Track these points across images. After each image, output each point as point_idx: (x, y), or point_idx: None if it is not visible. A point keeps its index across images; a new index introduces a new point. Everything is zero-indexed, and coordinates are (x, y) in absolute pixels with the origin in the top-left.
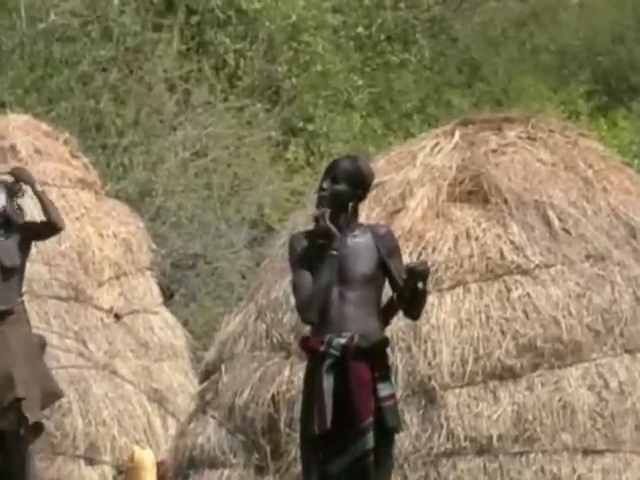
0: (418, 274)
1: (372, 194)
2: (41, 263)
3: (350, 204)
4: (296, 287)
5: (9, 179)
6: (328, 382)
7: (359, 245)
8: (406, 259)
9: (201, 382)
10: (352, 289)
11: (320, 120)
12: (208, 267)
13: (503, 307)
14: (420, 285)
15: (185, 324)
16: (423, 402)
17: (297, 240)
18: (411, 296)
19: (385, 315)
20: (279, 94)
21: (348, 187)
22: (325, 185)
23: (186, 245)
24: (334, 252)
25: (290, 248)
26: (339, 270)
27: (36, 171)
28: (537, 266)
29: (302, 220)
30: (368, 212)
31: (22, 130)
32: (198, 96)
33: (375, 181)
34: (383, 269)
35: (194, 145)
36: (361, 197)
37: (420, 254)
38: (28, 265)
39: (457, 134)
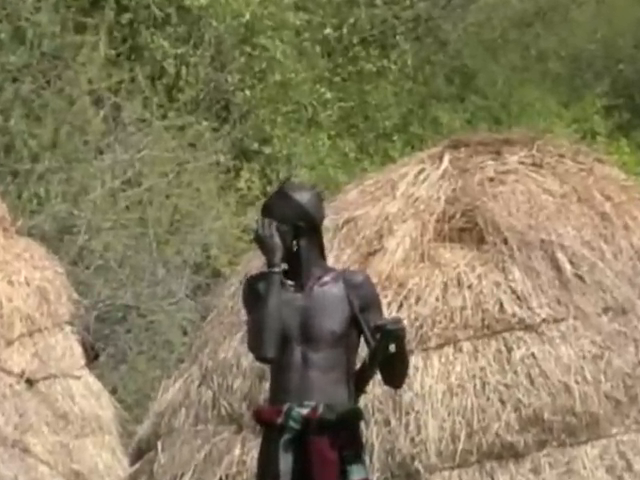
0: (389, 334)
1: (343, 232)
2: None
3: (294, 242)
4: (249, 327)
5: None
6: (285, 462)
7: (327, 295)
8: (384, 312)
9: (132, 463)
10: (317, 350)
11: (279, 141)
12: (142, 321)
13: (502, 370)
14: (392, 348)
15: (113, 391)
16: None
17: (255, 281)
18: (385, 361)
19: (358, 382)
20: (229, 110)
21: (284, 224)
22: (258, 225)
23: (115, 294)
24: (276, 269)
25: (245, 290)
26: (301, 327)
27: None
28: (544, 320)
29: (258, 263)
30: (338, 253)
31: None
32: (130, 112)
33: (346, 216)
34: (357, 326)
35: (125, 172)
36: (305, 232)
37: (401, 305)
38: None
39: (446, 158)
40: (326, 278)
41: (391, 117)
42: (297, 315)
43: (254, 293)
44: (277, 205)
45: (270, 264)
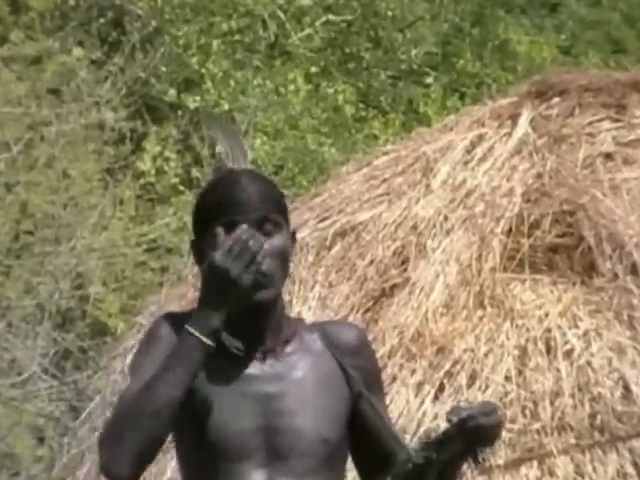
0: (480, 434)
1: (334, 251)
2: None
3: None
4: (116, 406)
5: None
6: None
7: (308, 371)
8: (398, 405)
9: None
10: (290, 472)
11: (214, 85)
12: None
13: None
14: (481, 456)
15: None
16: None
17: (169, 324)
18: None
19: None
20: (122, 28)
21: (284, 230)
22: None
23: None
24: (207, 339)
25: (148, 334)
26: (264, 432)
27: None
28: None
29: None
30: (325, 292)
31: None
32: None
33: (342, 222)
34: (353, 426)
35: None
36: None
37: (440, 389)
38: None
39: (525, 117)
40: (294, 342)
41: (420, 41)
42: (254, 409)
43: (156, 344)
44: (255, 200)
45: (209, 321)
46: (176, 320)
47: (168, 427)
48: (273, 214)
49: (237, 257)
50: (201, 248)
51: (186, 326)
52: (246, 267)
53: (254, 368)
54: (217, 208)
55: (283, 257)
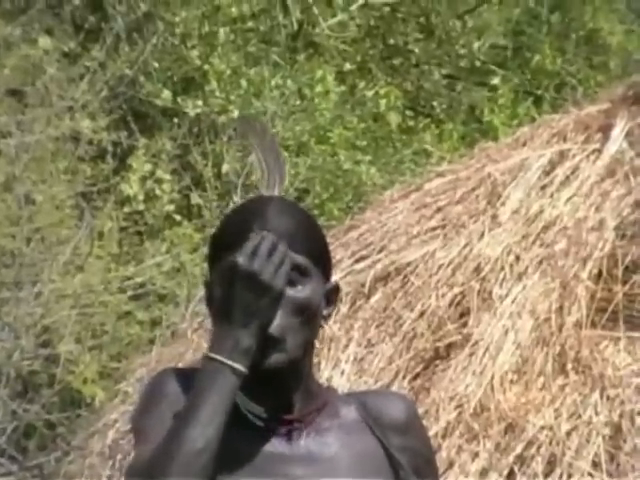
0: None
1: (373, 303)
2: None
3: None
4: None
5: None
6: None
7: (343, 452)
8: None
9: None
10: None
11: (220, 86)
12: None
13: None
14: None
15: None
16: None
17: (173, 379)
18: None
19: None
20: (102, 12)
21: (313, 280)
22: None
23: None
24: (241, 366)
25: (149, 391)
26: None
27: None
28: None
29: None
30: (363, 353)
31: None
32: None
33: (385, 263)
34: None
35: None
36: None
37: (510, 478)
38: None
39: (621, 128)
40: (331, 410)
41: (485, 31)
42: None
43: (163, 402)
44: (279, 235)
45: (237, 341)
46: (183, 376)
47: (212, 464)
48: (300, 257)
49: (266, 258)
50: (214, 287)
51: (206, 353)
52: (277, 270)
53: (278, 444)
54: (232, 239)
55: (306, 315)
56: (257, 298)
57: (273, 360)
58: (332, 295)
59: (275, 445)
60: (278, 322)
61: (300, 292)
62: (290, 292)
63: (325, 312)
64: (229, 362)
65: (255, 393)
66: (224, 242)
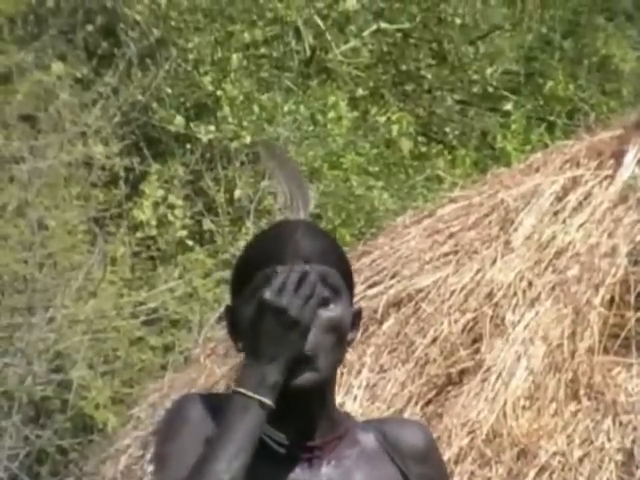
0: None
1: (385, 329)
2: None
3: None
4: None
5: None
6: None
7: (359, 479)
8: None
9: None
10: None
11: (232, 112)
12: None
13: None
14: None
15: None
16: None
17: (199, 405)
18: None
19: None
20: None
21: (344, 299)
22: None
23: None
24: (267, 400)
25: (170, 419)
26: None
27: None
28: None
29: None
30: (375, 379)
31: None
32: None
33: (398, 289)
34: None
35: None
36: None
37: None
38: None
39: (634, 153)
40: (351, 438)
41: (498, 57)
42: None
43: (185, 429)
44: (311, 256)
45: (264, 376)
46: (205, 401)
47: None
48: (334, 273)
49: (294, 292)
50: (239, 312)
51: (234, 388)
52: (305, 303)
53: (299, 472)
54: (260, 261)
55: (338, 334)
56: (285, 333)
57: (305, 379)
58: (356, 319)
59: (296, 473)
60: (311, 339)
61: (333, 311)
62: (323, 311)
63: (350, 336)
64: (256, 397)
65: (278, 417)
66: (254, 264)
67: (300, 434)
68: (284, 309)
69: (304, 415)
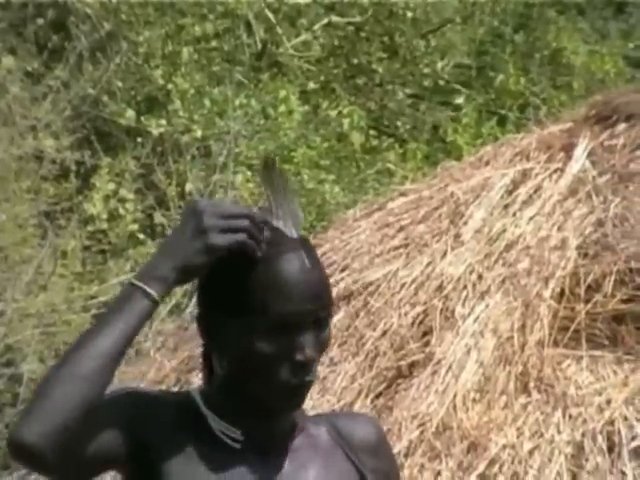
0: None
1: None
2: None
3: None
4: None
5: None
6: None
7: (314, 473)
8: None
9: None
10: None
11: (184, 105)
12: None
13: None
14: None
15: None
16: None
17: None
18: None
19: None
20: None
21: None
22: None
23: None
24: (153, 292)
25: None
26: None
27: None
28: None
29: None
30: (326, 372)
31: None
32: None
33: (348, 282)
34: None
35: None
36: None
37: None
38: None
39: (583, 148)
40: (305, 432)
41: (449, 50)
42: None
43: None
44: (322, 293)
45: (158, 270)
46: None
47: (103, 391)
48: (330, 306)
49: (225, 216)
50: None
51: (130, 279)
52: (223, 230)
53: (254, 466)
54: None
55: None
56: (192, 238)
57: (308, 379)
58: None
59: (251, 467)
60: (311, 349)
61: (328, 332)
62: (322, 333)
63: None
64: (139, 284)
65: (233, 413)
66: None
67: (256, 430)
68: (202, 213)
69: (284, 413)
